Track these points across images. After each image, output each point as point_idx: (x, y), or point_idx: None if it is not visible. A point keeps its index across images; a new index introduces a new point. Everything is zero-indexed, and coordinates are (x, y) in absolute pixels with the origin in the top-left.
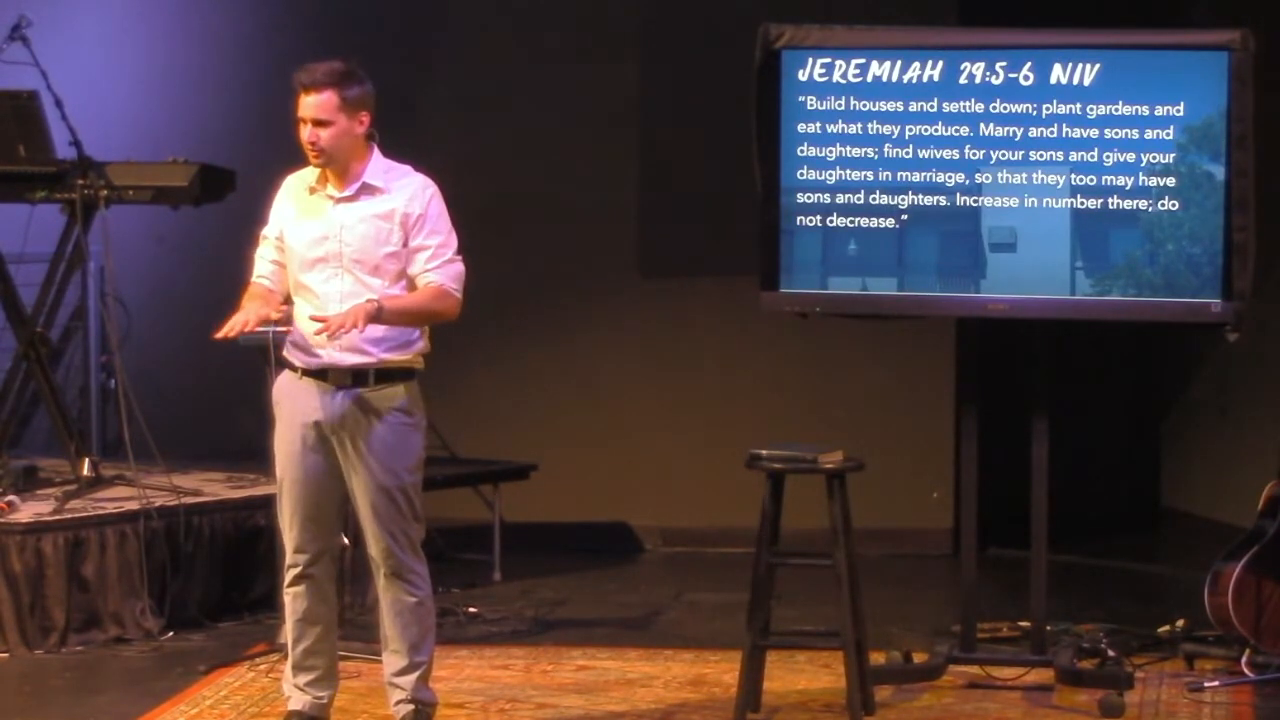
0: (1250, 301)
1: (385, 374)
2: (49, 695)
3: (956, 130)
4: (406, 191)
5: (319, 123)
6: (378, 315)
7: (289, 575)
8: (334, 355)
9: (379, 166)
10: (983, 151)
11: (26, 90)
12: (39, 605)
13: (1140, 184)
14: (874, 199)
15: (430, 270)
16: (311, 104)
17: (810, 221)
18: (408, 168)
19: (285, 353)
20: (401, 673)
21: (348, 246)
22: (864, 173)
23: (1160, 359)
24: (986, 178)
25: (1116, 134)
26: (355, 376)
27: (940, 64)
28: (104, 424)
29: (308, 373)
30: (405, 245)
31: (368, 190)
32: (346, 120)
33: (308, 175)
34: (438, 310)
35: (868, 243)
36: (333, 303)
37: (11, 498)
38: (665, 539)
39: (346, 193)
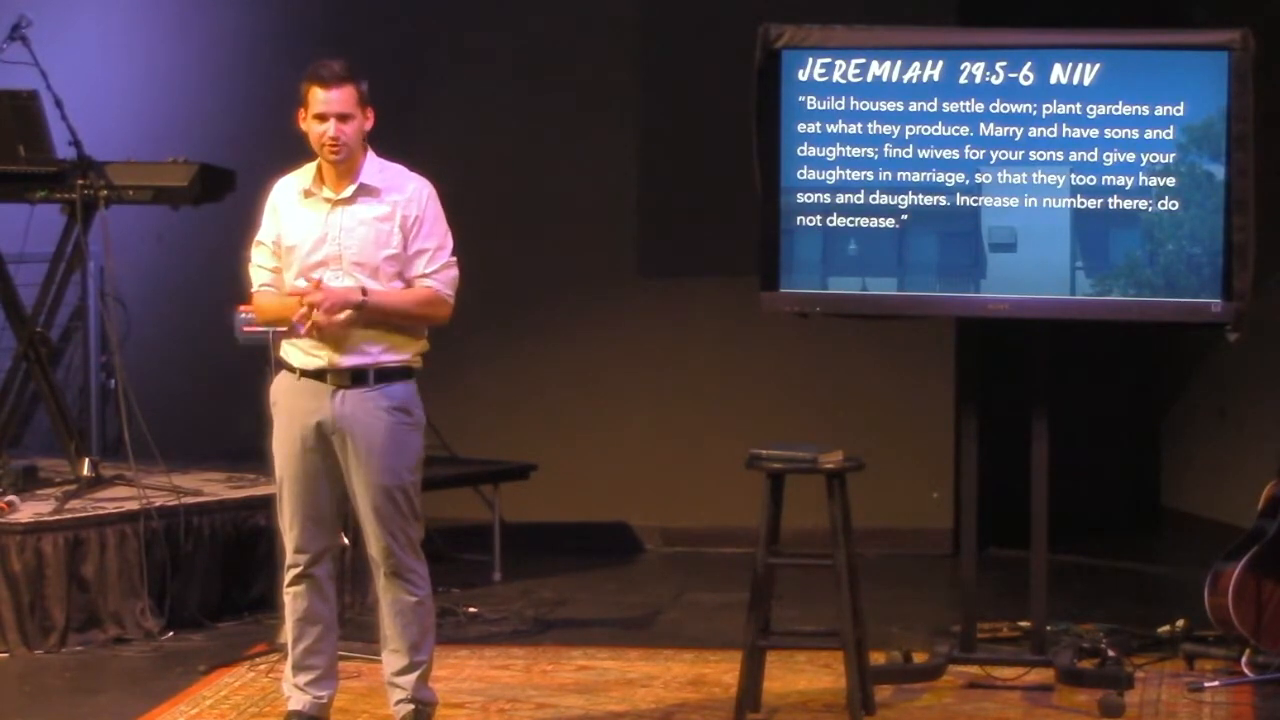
0: (1250, 301)
1: (384, 374)
2: (49, 695)
3: (956, 130)
4: (405, 193)
5: (342, 117)
6: (360, 309)
7: (289, 575)
8: (333, 357)
9: (374, 166)
10: (983, 151)
11: (26, 90)
12: (39, 605)
13: (1140, 184)
14: (874, 199)
15: (427, 275)
16: (335, 99)
17: (810, 221)
18: (402, 167)
19: (282, 354)
20: (401, 672)
21: (348, 249)
22: (864, 173)
23: (1160, 359)
24: (986, 178)
25: (1116, 134)
26: (354, 377)
27: (940, 64)
28: (104, 424)
29: (306, 373)
30: (405, 248)
31: (365, 191)
32: (363, 115)
33: (300, 178)
34: (425, 315)
35: (868, 243)
36: None
37: (11, 498)
38: (665, 539)
39: (344, 194)
